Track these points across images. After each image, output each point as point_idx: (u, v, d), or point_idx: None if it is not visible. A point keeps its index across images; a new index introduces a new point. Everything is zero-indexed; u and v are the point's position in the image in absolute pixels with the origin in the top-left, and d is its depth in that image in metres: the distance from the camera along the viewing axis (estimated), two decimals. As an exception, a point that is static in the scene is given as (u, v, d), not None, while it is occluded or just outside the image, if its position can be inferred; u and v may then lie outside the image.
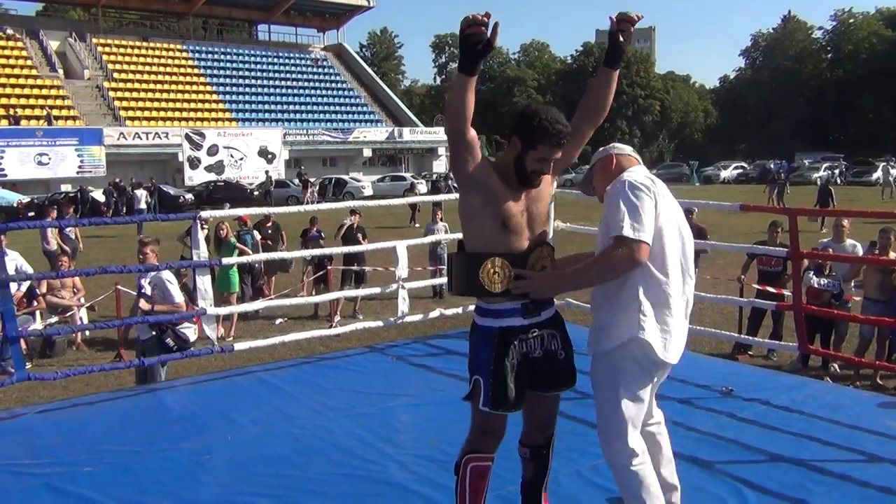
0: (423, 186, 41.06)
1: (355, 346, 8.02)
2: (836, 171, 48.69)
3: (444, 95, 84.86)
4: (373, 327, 7.11)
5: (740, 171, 53.55)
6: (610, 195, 2.95)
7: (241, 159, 45.17)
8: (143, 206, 30.26)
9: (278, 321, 10.71)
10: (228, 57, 54.03)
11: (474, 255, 2.92)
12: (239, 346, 6.18)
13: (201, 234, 5.76)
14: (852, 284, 7.74)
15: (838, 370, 7.83)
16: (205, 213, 6.08)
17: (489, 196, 2.89)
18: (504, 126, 72.46)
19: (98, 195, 33.98)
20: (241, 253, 10.39)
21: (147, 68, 48.89)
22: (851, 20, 72.03)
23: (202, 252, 5.70)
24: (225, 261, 6.82)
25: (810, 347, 6.39)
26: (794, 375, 6.41)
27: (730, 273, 11.29)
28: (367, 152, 51.51)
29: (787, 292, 7.87)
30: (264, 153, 46.12)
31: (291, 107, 52.63)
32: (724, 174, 52.55)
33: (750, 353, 8.39)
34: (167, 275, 6.28)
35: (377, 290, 7.60)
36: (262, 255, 6.83)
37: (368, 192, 39.99)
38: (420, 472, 3.86)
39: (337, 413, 4.86)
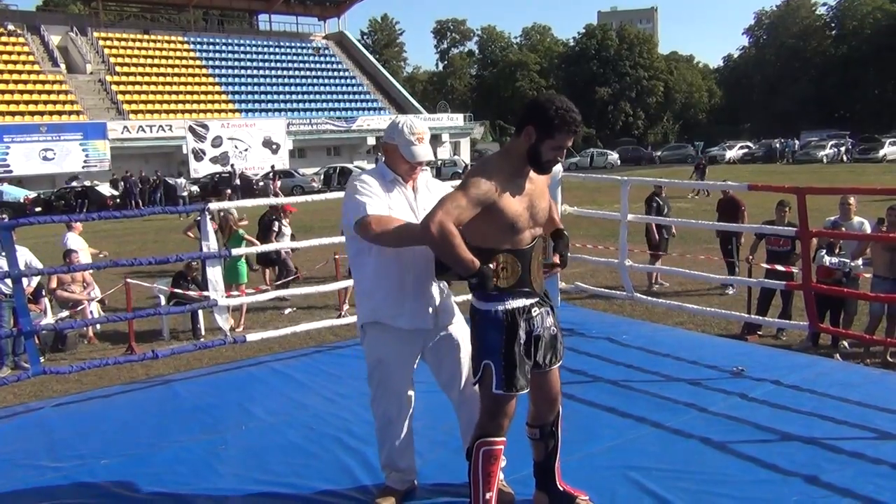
0: (427, 174, 40.91)
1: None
2: (843, 149, 48.45)
3: (446, 81, 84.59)
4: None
5: (746, 150, 53.30)
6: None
7: (246, 150, 45.11)
8: (184, 193, 30.82)
9: (287, 311, 10.75)
10: (230, 48, 53.93)
11: (483, 250, 2.96)
12: (251, 336, 6.21)
13: (210, 226, 5.78)
14: (860, 262, 7.72)
15: (848, 348, 7.83)
16: (213, 205, 6.10)
17: (496, 208, 2.93)
18: (506, 110, 72.35)
19: (105, 188, 34.06)
20: (249, 244, 10.42)
21: (149, 61, 48.84)
22: (855, -5, 71.43)
23: (212, 244, 5.72)
24: (236, 251, 6.84)
25: (821, 326, 6.39)
26: (804, 354, 6.41)
27: (738, 254, 11.28)
28: (371, 140, 51.42)
29: (795, 270, 7.86)
30: (268, 143, 46.10)
31: (294, 96, 52.56)
32: (730, 154, 52.31)
33: (759, 332, 8.38)
34: None
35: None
36: (271, 246, 6.85)
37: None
38: (433, 459, 3.88)
39: (350, 401, 4.88)
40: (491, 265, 2.95)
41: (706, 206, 20.22)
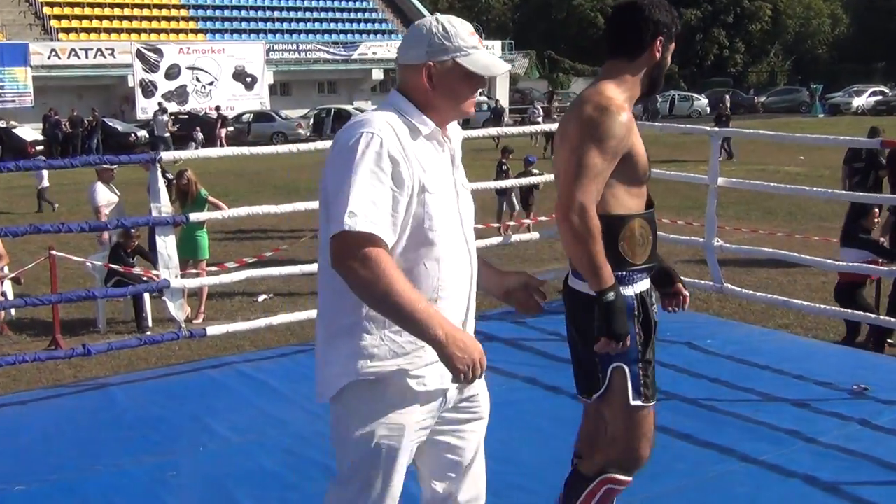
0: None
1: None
2: None
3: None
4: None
5: (879, 97, 52.56)
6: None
7: (211, 84, 45.11)
8: (167, 134, 31.24)
9: (262, 298, 10.80)
10: (192, -53, 53.87)
11: (612, 217, 3.00)
12: (212, 329, 6.24)
13: (162, 183, 5.81)
14: None
15: None
16: (166, 155, 6.14)
17: (630, 155, 3.01)
18: (559, 38, 71.82)
19: (25, 131, 34.31)
20: (214, 208, 10.45)
21: (85, -37, 48.90)
22: None
23: (163, 206, 5.75)
24: (193, 217, 6.88)
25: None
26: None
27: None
28: (378, 74, 51.21)
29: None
30: (241, 76, 46.03)
31: (276, 13, 52.43)
32: (858, 102, 51.65)
33: (890, 340, 8.33)
34: None
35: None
36: (242, 210, 6.86)
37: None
38: None
39: (341, 417, 4.91)
40: (623, 235, 3.01)
41: (822, 170, 20.05)
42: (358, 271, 2.36)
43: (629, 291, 3.02)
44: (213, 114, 39.56)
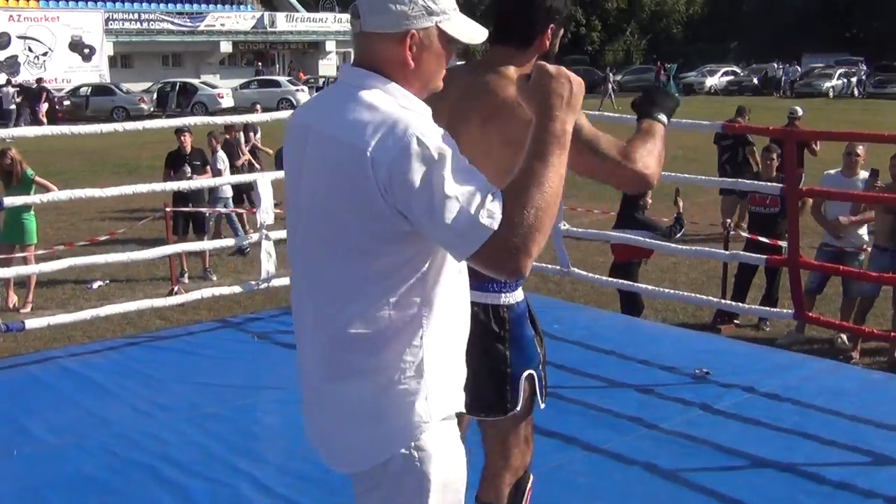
0: (304, 95, 40.57)
1: (204, 318, 7.92)
2: (854, 80, 50.28)
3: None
4: (228, 294, 7.02)
5: (731, 77, 54.70)
6: None
7: (45, 55, 43.93)
8: (12, 106, 30.34)
9: (96, 285, 10.49)
10: None
11: None
12: (33, 322, 6.06)
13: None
14: (865, 231, 7.98)
15: (847, 343, 8.13)
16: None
17: None
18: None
19: None
20: (42, 189, 10.04)
21: None
22: None
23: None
24: (7, 202, 6.60)
25: (809, 315, 6.61)
26: (787, 352, 6.63)
27: (711, 216, 11.56)
28: (226, 47, 50.49)
29: (784, 243, 8.09)
30: (78, 46, 44.91)
31: (116, -20, 51.03)
32: (710, 81, 53.66)
33: (736, 321, 8.62)
34: None
35: (231, 242, 7.51)
36: (62, 194, 6.58)
37: (228, 102, 39.28)
38: (286, 495, 3.88)
39: (172, 415, 4.83)
40: None
41: (676, 150, 20.67)
42: (538, 244, 2.04)
43: (523, 296, 2.94)
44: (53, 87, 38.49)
